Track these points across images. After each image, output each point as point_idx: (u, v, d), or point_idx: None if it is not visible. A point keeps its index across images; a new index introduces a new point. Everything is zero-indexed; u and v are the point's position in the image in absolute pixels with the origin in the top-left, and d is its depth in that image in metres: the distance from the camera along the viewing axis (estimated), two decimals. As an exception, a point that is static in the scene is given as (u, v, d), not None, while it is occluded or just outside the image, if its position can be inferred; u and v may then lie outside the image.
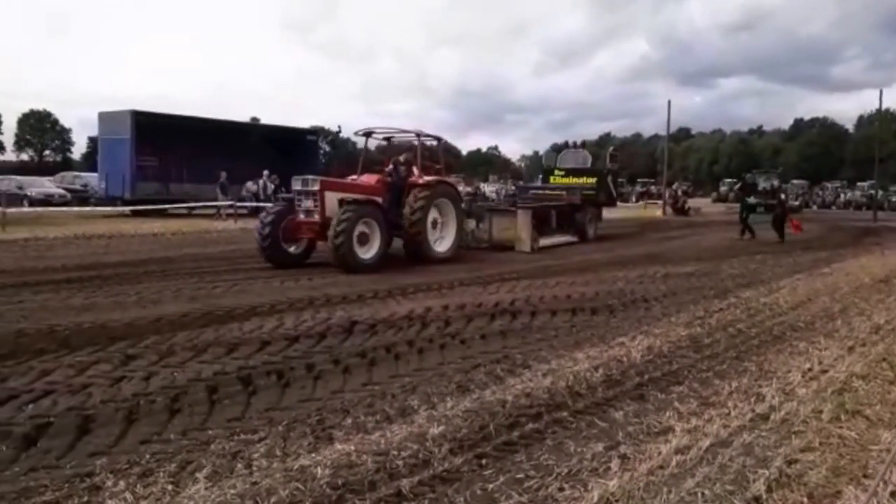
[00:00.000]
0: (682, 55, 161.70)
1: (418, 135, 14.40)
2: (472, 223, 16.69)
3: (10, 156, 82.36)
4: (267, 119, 55.25)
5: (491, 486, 3.59)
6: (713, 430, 4.37)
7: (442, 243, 13.93)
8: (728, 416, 4.67)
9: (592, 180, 21.08)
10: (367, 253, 11.89)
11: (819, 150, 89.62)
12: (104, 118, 27.52)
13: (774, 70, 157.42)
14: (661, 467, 3.81)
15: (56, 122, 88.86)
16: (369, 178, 13.67)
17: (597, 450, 4.07)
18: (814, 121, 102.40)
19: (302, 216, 12.26)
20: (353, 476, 3.60)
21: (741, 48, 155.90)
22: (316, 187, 12.17)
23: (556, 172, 22.24)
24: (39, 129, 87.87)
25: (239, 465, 3.76)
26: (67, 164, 74.32)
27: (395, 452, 3.89)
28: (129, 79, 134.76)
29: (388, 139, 15.15)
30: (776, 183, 41.10)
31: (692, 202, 42.68)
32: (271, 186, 26.28)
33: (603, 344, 6.68)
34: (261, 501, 3.30)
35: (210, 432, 4.28)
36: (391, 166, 14.02)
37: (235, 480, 3.54)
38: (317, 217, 12.09)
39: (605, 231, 22.65)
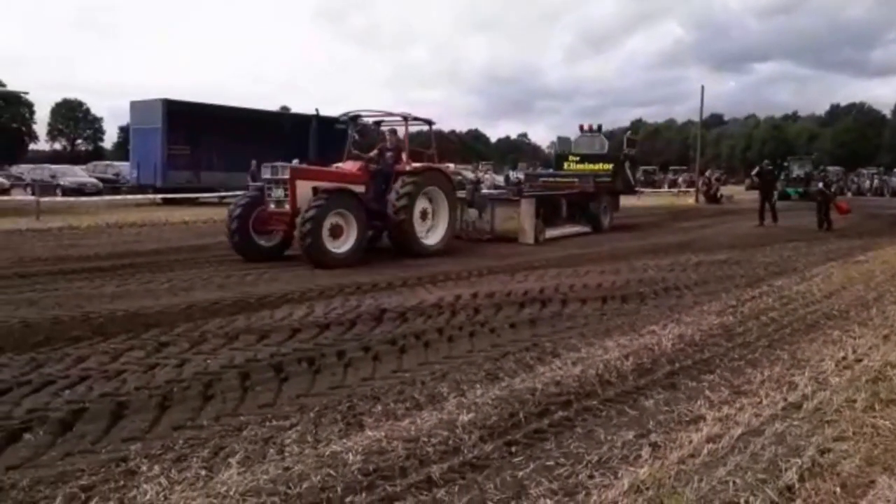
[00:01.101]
0: (716, 39, 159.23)
1: (405, 118, 13.20)
2: (473, 213, 15.72)
3: (43, 145, 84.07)
4: (298, 108, 55.53)
5: (521, 473, 3.59)
6: (745, 419, 4.32)
7: (432, 235, 12.94)
8: (760, 405, 4.61)
9: (609, 167, 19.75)
10: (342, 246, 10.94)
11: (855, 136, 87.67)
12: (136, 107, 27.87)
13: (812, 54, 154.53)
14: (692, 456, 3.78)
15: (88, 111, 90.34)
16: (351, 166, 12.57)
17: (627, 438, 4.05)
18: (851, 106, 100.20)
19: (272, 206, 11.32)
20: (384, 462, 3.62)
21: (778, 32, 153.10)
22: (285, 175, 11.22)
23: (571, 159, 20.74)
24: (72, 118, 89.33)
25: (271, 451, 3.80)
26: (99, 153, 75.64)
27: (425, 439, 3.90)
28: (161, 68, 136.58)
29: (378, 123, 14.20)
30: (809, 169, 40.38)
31: (725, 189, 41.99)
32: None
33: (633, 332, 6.62)
34: (293, 487, 3.32)
35: (242, 418, 4.33)
36: (377, 152, 13.04)
37: (268, 466, 3.58)
38: (287, 207, 11.12)
39: (635, 219, 22.47)
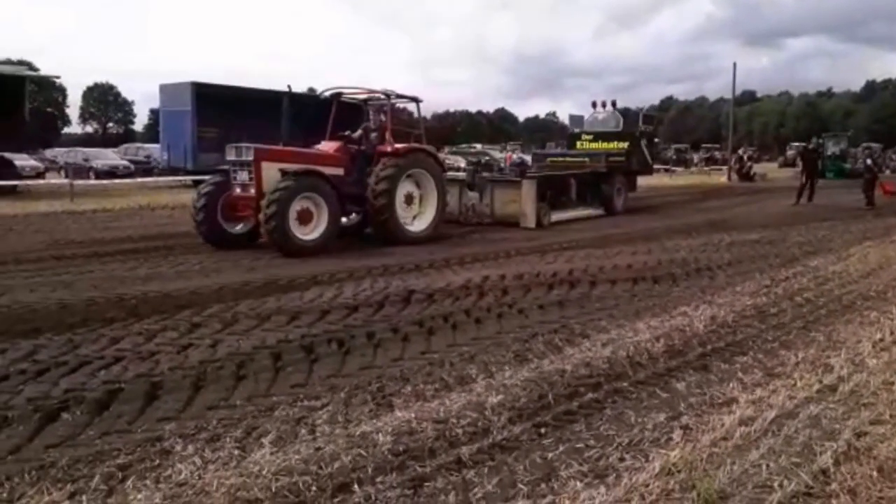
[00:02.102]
0: (748, 14, 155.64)
1: (388, 95, 12.40)
2: (474, 197, 14.77)
3: (75, 128, 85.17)
4: (322, 89, 55.42)
5: (550, 455, 3.58)
6: (779, 402, 4.25)
7: (418, 221, 12.07)
8: (794, 388, 4.54)
9: (624, 145, 18.48)
10: (311, 233, 10.19)
11: (892, 112, 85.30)
12: (166, 90, 28.09)
13: (847, 29, 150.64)
14: (725, 439, 3.73)
15: (119, 94, 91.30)
16: (328, 147, 11.80)
17: (658, 420, 4.02)
18: (887, 82, 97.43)
19: (238, 190, 10.54)
20: (414, 443, 3.64)
21: (811, 6, 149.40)
22: (250, 157, 10.42)
23: (584, 137, 19.53)
24: (103, 101, 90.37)
25: (303, 431, 3.84)
26: (130, 136, 76.50)
27: (455, 420, 3.91)
28: (189, 51, 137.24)
29: (366, 101, 12.97)
30: (845, 147, 39.44)
31: (758, 167, 41.24)
32: None
33: (665, 314, 6.56)
34: (325, 467, 3.36)
35: (274, 398, 4.38)
36: (361, 132, 12.32)
37: (300, 446, 3.61)
38: (253, 192, 10.31)
39: (665, 199, 22.18)
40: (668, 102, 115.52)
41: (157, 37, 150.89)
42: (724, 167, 41.04)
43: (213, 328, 5.97)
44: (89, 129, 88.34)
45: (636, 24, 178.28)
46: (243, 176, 10.46)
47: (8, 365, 4.91)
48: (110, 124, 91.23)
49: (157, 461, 3.48)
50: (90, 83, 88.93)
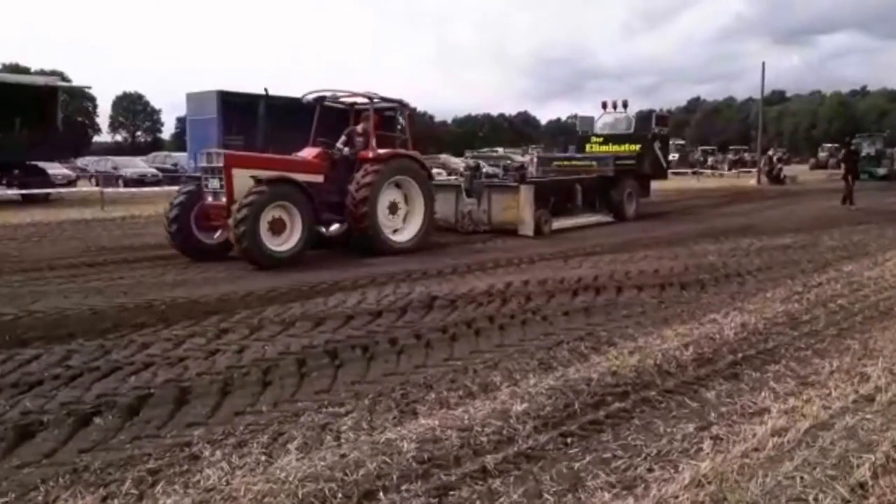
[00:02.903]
0: (778, 12, 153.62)
1: (371, 99, 11.75)
2: (471, 203, 14.07)
3: (105, 137, 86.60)
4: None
5: (577, 464, 3.54)
6: (813, 412, 4.16)
7: (404, 231, 11.50)
8: (829, 397, 4.43)
9: (636, 147, 17.64)
10: (283, 244, 9.66)
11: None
12: (192, 99, 28.49)
13: (883, 24, 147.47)
14: (757, 449, 3.66)
15: (147, 103, 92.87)
16: (307, 153, 11.22)
17: (687, 430, 3.95)
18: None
19: (210, 199, 10.00)
20: (438, 451, 3.63)
21: (847, 1, 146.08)
22: (220, 163, 9.84)
23: (594, 140, 18.71)
24: (131, 110, 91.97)
25: (328, 438, 3.85)
26: (158, 144, 77.73)
27: (479, 428, 3.89)
28: (214, 58, 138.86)
29: (352, 105, 12.35)
30: (881, 147, 38.71)
31: (788, 170, 40.65)
32: None
33: (693, 321, 6.46)
34: (350, 474, 3.35)
35: (300, 404, 4.40)
36: (344, 138, 11.64)
37: (325, 452, 3.62)
38: (224, 200, 9.74)
39: (692, 202, 21.93)
40: (695, 103, 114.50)
41: (184, 45, 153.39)
42: (754, 169, 40.50)
43: (239, 334, 6.03)
44: (119, 137, 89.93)
45: (662, 24, 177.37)
46: (214, 183, 9.92)
47: (43, 370, 5.00)
48: (139, 133, 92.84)
49: (186, 466, 3.52)
50: (119, 92, 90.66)
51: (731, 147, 62.22)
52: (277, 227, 9.64)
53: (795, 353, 5.48)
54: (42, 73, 49.94)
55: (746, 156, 53.98)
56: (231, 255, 9.97)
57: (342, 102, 12.35)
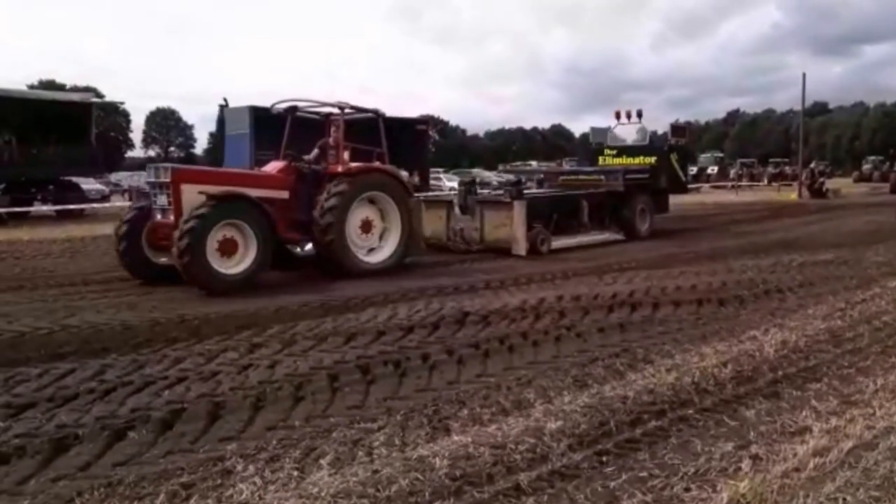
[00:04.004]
0: (819, 21, 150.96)
1: (342, 108, 10.91)
2: (465, 220, 13.35)
3: (138, 152, 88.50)
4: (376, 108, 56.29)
5: (612, 483, 3.47)
6: (856, 432, 4.02)
7: (379, 251, 10.74)
8: (873, 417, 4.29)
9: (650, 160, 16.58)
10: (235, 266, 8.90)
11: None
12: (226, 114, 29.07)
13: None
14: (797, 469, 3.55)
15: (180, 119, 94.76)
16: (272, 167, 10.65)
17: (726, 449, 3.85)
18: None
19: (158, 216, 9.32)
20: (471, 468, 3.58)
21: (891, 8, 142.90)
22: (167, 178, 9.12)
23: (606, 152, 17.60)
24: (165, 125, 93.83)
25: (360, 453, 3.83)
26: (191, 159, 79.08)
27: (513, 446, 3.83)
28: (245, 74, 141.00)
29: (328, 116, 11.46)
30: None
31: (831, 183, 39.77)
32: None
33: (732, 338, 6.32)
34: (382, 490, 3.33)
35: (332, 420, 4.39)
36: (317, 150, 10.94)
37: (357, 468, 3.60)
38: (172, 218, 8.99)
39: (731, 216, 21.56)
40: (734, 116, 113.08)
41: (217, 60, 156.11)
42: (795, 183, 39.76)
43: (272, 349, 6.06)
44: (152, 152, 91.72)
45: (698, 35, 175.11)
46: (162, 200, 9.23)
47: (78, 384, 5.07)
48: (172, 148, 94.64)
49: (219, 480, 3.53)
50: (152, 108, 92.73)
51: (771, 160, 61.05)
52: (228, 248, 8.88)
53: (838, 371, 5.32)
54: (76, 89, 51.41)
55: (787, 169, 52.97)
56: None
57: (316, 112, 11.66)
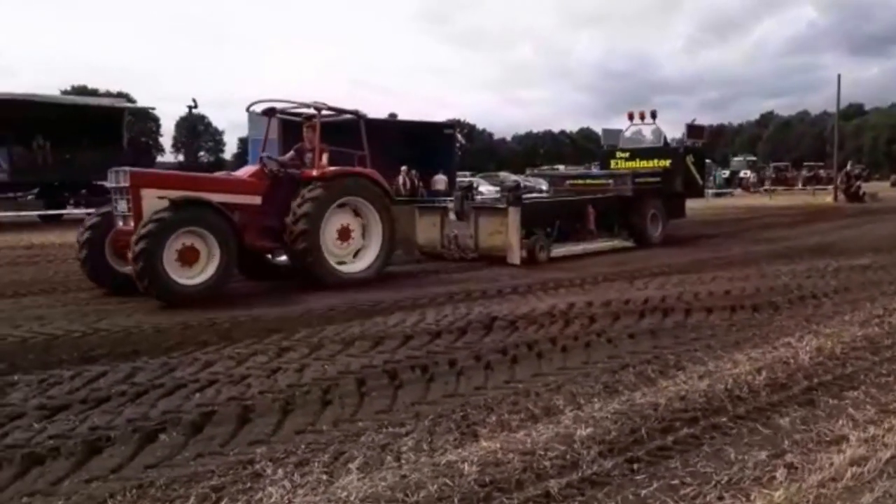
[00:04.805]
0: (856, 20, 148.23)
1: (318, 109, 10.33)
2: (460, 227, 12.88)
3: (168, 157, 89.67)
4: (404, 113, 56.62)
5: (643, 491, 3.42)
6: (894, 441, 3.92)
7: (359, 260, 10.22)
8: (913, 426, 4.17)
9: (665, 163, 15.90)
10: (196, 276, 8.37)
11: None
12: (253, 119, 29.39)
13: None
14: (834, 479, 3.46)
15: (209, 124, 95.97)
16: (243, 171, 10.28)
17: (760, 458, 3.78)
18: None
19: (120, 223, 8.81)
20: (500, 474, 3.55)
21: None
22: (126, 182, 8.59)
23: (619, 155, 16.97)
24: (194, 131, 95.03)
25: (388, 458, 3.82)
26: (220, 164, 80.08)
27: (542, 452, 3.79)
28: (272, 79, 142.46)
29: (309, 118, 10.79)
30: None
31: (867, 186, 38.98)
32: (407, 183, 26.78)
33: (766, 344, 6.21)
34: (410, 495, 3.32)
35: (360, 424, 4.39)
36: (293, 154, 10.55)
37: (386, 473, 3.60)
38: (133, 224, 8.43)
39: (765, 220, 21.24)
40: (767, 118, 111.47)
41: (245, 66, 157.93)
42: (830, 186, 39.03)
43: (300, 352, 6.08)
44: (181, 157, 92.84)
45: (732, 35, 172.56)
46: (122, 205, 8.69)
47: (109, 386, 5.13)
48: (201, 153, 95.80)
49: (249, 484, 3.54)
50: (182, 113, 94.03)
51: (805, 163, 59.96)
52: (189, 257, 8.34)
53: (876, 379, 5.19)
54: (109, 94, 52.38)
55: (822, 172, 52.02)
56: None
57: (296, 113, 11.17)
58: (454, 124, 41.72)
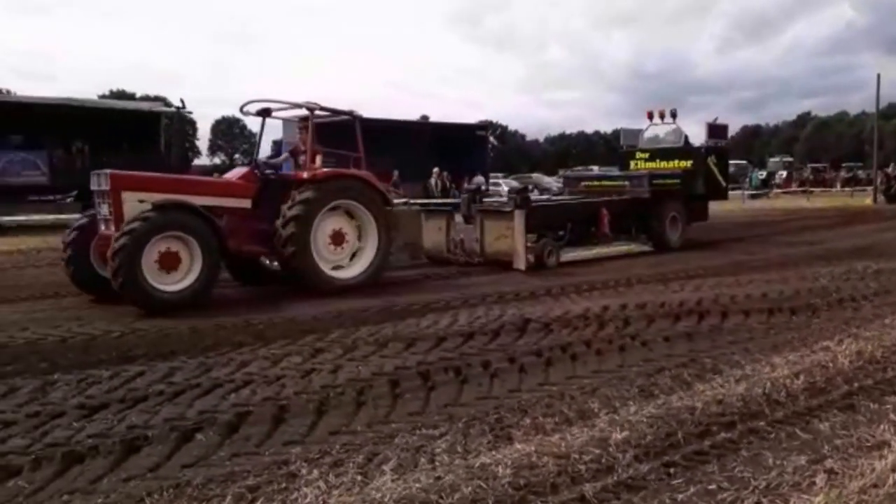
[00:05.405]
0: (895, 19, 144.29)
1: (311, 109, 9.94)
2: (467, 231, 12.47)
3: (204, 160, 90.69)
4: (436, 115, 56.60)
5: (680, 496, 3.38)
6: (939, 447, 3.81)
7: (353, 265, 9.82)
8: (957, 432, 4.05)
9: (686, 164, 15.33)
10: (177, 282, 8.08)
11: None
12: (287, 123, 29.70)
13: None
14: (875, 486, 3.38)
15: (244, 127, 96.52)
16: (233, 174, 10.00)
17: (799, 463, 3.71)
18: None
19: (103, 227, 8.56)
20: (535, 477, 3.53)
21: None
22: (106, 185, 8.35)
23: (639, 155, 16.38)
24: (230, 134, 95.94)
25: (422, 460, 3.83)
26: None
27: (577, 456, 3.76)
28: (307, 82, 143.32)
29: (306, 119, 10.58)
30: None
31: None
32: (439, 184, 26.84)
33: (804, 348, 6.09)
34: (445, 497, 3.32)
35: (394, 425, 4.40)
36: (287, 156, 10.42)
37: (420, 474, 3.60)
38: (114, 228, 8.15)
39: (803, 222, 20.85)
40: (804, 118, 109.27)
41: (280, 70, 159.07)
42: (869, 188, 38.15)
43: (334, 353, 6.12)
44: (217, 160, 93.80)
45: (767, 35, 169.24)
46: (104, 209, 8.46)
47: (147, 386, 5.21)
48: (237, 155, 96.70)
49: (284, 484, 3.56)
50: (218, 116, 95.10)
51: (843, 164, 58.67)
52: (170, 262, 8.06)
53: (919, 384, 5.06)
54: (146, 98, 53.29)
55: (861, 173, 50.87)
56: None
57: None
58: (486, 126, 41.65)
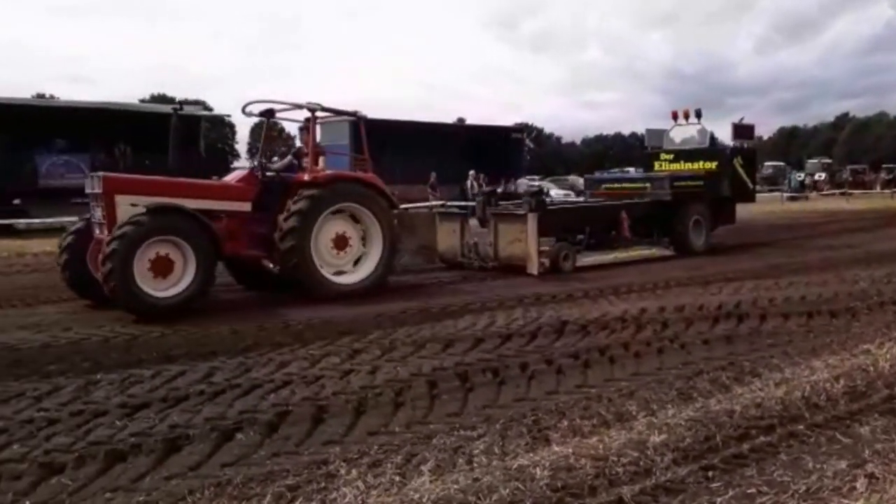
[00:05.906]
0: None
1: (312, 110, 9.72)
2: (477, 235, 12.24)
3: (243, 162, 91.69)
4: (473, 118, 56.65)
5: (719, 499, 3.36)
6: (982, 453, 3.74)
7: (357, 270, 9.53)
8: None
9: (711, 165, 14.87)
10: (170, 287, 7.89)
11: None
12: (325, 126, 30.04)
13: None
14: (918, 491, 3.32)
15: (282, 130, 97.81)
16: (233, 176, 9.87)
17: (839, 467, 3.66)
18: None
19: (97, 231, 8.40)
20: (572, 479, 3.54)
21: None
22: (99, 188, 8.16)
23: (663, 157, 15.88)
24: (267, 136, 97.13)
25: (460, 461, 3.85)
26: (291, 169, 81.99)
27: (615, 458, 3.76)
28: (343, 85, 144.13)
29: (309, 120, 10.31)
30: None
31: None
32: (476, 186, 26.86)
33: (844, 351, 5.99)
34: (483, 498, 3.34)
35: (432, 426, 4.44)
36: (291, 158, 10.35)
37: (458, 475, 3.63)
38: (107, 232, 7.95)
39: (842, 224, 20.41)
40: (843, 119, 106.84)
41: (316, 72, 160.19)
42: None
43: (372, 354, 6.19)
44: (255, 162, 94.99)
45: (806, 35, 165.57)
46: (98, 213, 8.29)
47: (188, 386, 5.31)
48: (275, 158, 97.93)
49: (323, 484, 3.62)
50: (256, 119, 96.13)
51: (884, 165, 57.23)
52: (163, 267, 7.86)
53: (963, 389, 4.94)
54: (187, 102, 54.29)
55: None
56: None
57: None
58: (522, 128, 41.53)
